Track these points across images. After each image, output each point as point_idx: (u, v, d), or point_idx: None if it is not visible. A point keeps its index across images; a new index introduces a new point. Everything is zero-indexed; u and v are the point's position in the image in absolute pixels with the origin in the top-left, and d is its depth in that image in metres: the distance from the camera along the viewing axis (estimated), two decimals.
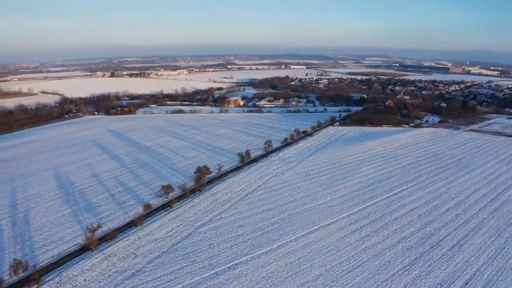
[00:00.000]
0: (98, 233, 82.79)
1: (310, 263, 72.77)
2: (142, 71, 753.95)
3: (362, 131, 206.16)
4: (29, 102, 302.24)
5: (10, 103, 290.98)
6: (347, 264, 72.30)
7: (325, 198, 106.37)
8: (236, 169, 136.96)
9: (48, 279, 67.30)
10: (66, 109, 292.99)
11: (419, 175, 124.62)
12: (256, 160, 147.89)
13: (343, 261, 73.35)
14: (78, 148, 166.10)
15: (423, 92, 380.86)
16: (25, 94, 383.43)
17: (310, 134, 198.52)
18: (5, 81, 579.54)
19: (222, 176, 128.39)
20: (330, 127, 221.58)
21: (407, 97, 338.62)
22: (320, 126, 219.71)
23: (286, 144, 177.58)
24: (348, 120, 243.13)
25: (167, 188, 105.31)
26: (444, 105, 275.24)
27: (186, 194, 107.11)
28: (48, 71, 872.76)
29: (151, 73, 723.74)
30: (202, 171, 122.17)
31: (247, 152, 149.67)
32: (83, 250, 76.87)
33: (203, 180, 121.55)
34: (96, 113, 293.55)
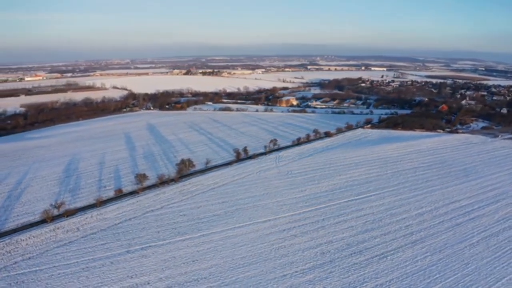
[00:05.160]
0: (64, 209, 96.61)
1: (215, 253, 75.38)
2: (216, 70, 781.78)
3: (387, 135, 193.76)
4: (97, 96, 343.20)
5: (79, 96, 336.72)
6: (248, 259, 73.08)
7: (285, 197, 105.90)
8: (226, 164, 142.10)
9: (0, 240, 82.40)
10: (125, 103, 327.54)
11: (404, 182, 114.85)
12: (252, 157, 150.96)
13: (246, 256, 74.26)
14: (108, 139, 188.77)
15: (494, 98, 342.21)
16: (97, 89, 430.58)
17: (330, 135, 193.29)
18: (88, 75, 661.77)
19: (206, 170, 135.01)
20: (359, 129, 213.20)
21: (472, 102, 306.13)
22: (348, 128, 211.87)
23: (298, 143, 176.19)
24: (383, 123, 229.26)
25: (141, 177, 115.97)
26: (504, 111, 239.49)
27: (157, 184, 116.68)
28: (136, 68, 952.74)
29: (224, 72, 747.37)
30: (185, 163, 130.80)
31: (245, 149, 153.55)
32: (42, 222, 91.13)
33: (187, 172, 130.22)
34: (151, 108, 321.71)
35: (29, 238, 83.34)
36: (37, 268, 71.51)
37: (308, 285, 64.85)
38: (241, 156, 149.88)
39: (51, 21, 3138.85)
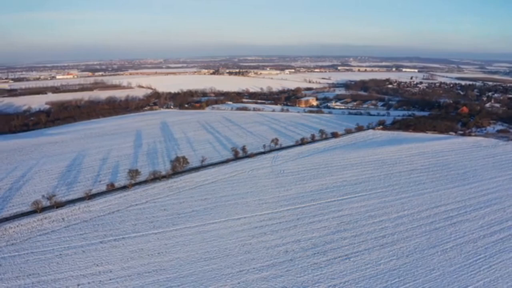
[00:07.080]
0: (54, 201, 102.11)
1: (181, 247, 77.37)
2: (243, 70, 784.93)
3: (396, 136, 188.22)
4: (122, 94, 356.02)
5: (104, 95, 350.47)
6: (211, 254, 74.47)
7: (268, 195, 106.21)
8: (222, 163, 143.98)
9: None
10: (147, 102, 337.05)
11: (395, 184, 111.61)
12: (250, 156, 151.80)
13: (210, 251, 75.63)
14: (119, 136, 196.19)
15: None
16: (123, 87, 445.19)
17: (336, 136, 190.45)
18: (118, 74, 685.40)
19: (201, 167, 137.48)
20: (370, 131, 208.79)
21: (497, 105, 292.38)
22: (358, 129, 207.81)
23: (301, 143, 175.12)
24: (395, 124, 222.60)
25: (133, 173, 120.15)
26: None
27: (149, 180, 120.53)
28: (168, 67, 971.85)
29: (251, 72, 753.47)
30: (179, 161, 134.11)
31: (243, 148, 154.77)
32: (34, 212, 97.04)
33: (182, 169, 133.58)
34: (171, 107, 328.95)
35: (17, 226, 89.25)
36: (16, 254, 76.65)
37: (261, 282, 65.16)
38: (239, 155, 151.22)
39: (87, 21, 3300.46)
